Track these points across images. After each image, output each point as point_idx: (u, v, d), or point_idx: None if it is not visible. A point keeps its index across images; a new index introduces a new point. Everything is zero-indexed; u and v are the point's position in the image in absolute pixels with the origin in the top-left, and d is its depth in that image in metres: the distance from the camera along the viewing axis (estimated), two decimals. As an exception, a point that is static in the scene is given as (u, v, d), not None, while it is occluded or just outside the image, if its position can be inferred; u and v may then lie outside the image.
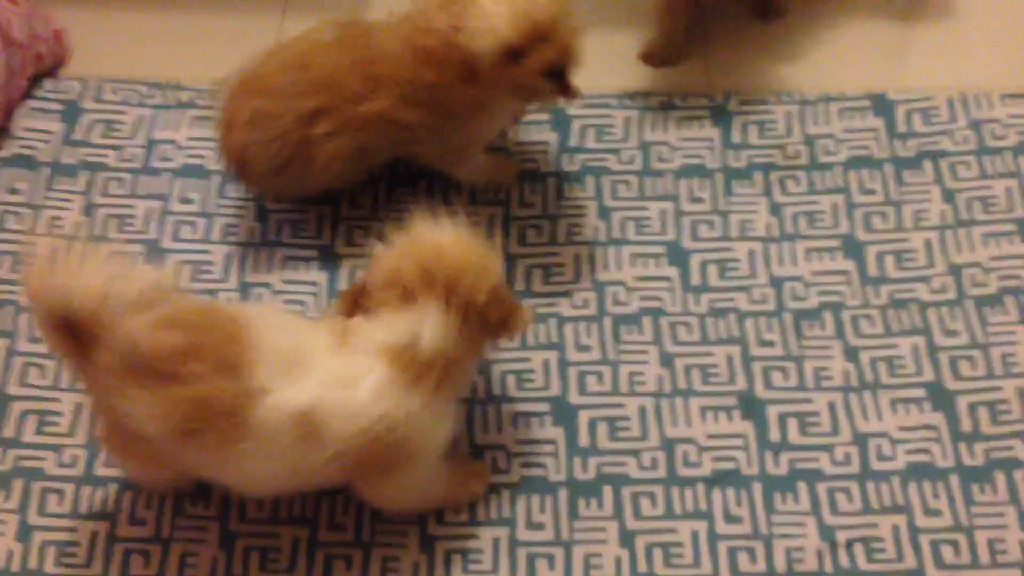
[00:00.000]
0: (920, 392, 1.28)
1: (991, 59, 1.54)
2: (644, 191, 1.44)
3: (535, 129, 1.49)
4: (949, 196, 1.41)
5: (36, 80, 1.53)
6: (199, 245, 1.41)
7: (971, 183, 1.42)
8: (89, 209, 1.43)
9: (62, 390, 1.30)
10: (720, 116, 1.50)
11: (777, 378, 1.30)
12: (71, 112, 1.51)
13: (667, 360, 1.31)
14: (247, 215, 1.43)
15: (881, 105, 1.49)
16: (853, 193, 1.42)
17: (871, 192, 1.42)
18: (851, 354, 1.31)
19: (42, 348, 1.32)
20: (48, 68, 1.54)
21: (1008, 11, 1.58)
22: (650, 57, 1.56)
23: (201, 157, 1.47)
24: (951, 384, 1.28)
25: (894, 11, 1.59)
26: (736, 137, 1.48)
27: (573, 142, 1.48)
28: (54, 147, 1.48)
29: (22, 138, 1.48)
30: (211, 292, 1.37)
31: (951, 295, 1.34)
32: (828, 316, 1.34)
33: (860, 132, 1.47)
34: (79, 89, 1.53)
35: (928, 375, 1.29)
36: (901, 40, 1.57)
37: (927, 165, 1.44)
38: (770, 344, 1.32)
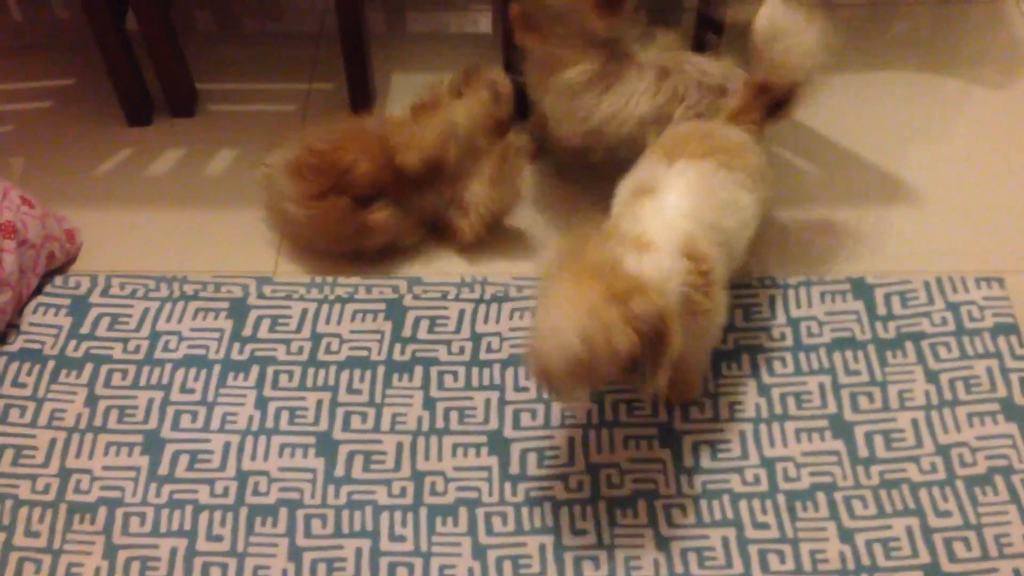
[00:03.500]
0: (918, 575, 1.27)
1: (963, 243, 1.60)
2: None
3: (528, 314, 1.54)
4: (932, 377, 1.44)
5: (47, 276, 1.59)
6: (199, 435, 1.43)
7: (953, 364, 1.45)
8: (91, 401, 1.46)
9: (55, 585, 1.29)
10: (706, 300, 1.55)
11: (774, 561, 1.30)
12: (79, 307, 1.55)
13: (663, 544, 1.32)
14: (247, 403, 1.46)
15: (860, 289, 1.54)
16: (839, 374, 1.46)
17: (856, 373, 1.46)
18: (846, 536, 1.31)
19: (38, 543, 1.32)
20: (60, 265, 1.61)
21: (974, 197, 1.66)
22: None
23: (204, 347, 1.51)
24: (948, 567, 1.28)
25: (866, 199, 1.67)
26: (722, 320, 1.53)
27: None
28: (61, 341, 1.52)
29: (29, 333, 1.53)
30: (209, 481, 1.39)
31: (941, 475, 1.36)
32: (821, 497, 1.35)
33: (842, 315, 1.51)
34: (88, 284, 1.58)
35: (924, 558, 1.29)
36: (876, 226, 1.63)
37: (909, 346, 1.47)
38: (765, 527, 1.33)
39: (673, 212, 1.29)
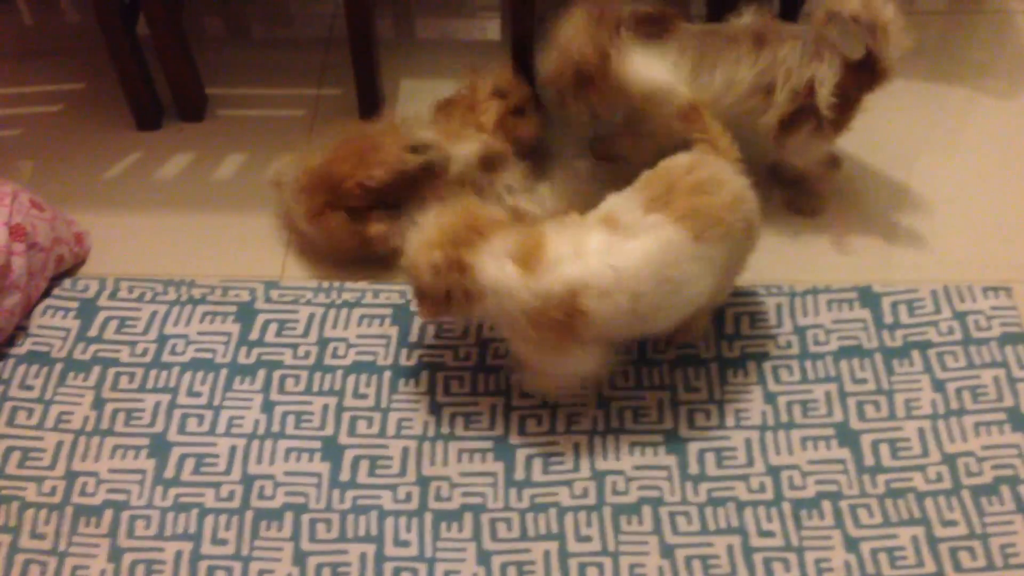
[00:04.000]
0: (924, 585, 1.28)
1: (970, 252, 1.60)
2: (641, 382, 1.47)
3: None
4: (939, 386, 1.44)
5: (56, 279, 1.59)
6: (205, 438, 1.44)
7: (959, 373, 1.45)
8: (99, 404, 1.47)
9: (61, 587, 1.30)
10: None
11: (779, 570, 1.30)
12: (87, 310, 1.56)
13: (667, 552, 1.32)
14: (253, 407, 1.46)
15: (867, 297, 1.54)
16: (845, 382, 1.46)
17: (863, 381, 1.46)
18: (851, 545, 1.31)
19: (43, 545, 1.33)
20: (68, 268, 1.61)
21: (982, 206, 1.66)
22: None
23: (211, 351, 1.52)
24: (954, 576, 1.28)
25: (873, 208, 1.67)
26: (729, 328, 1.52)
27: (571, 334, 1.53)
28: (69, 344, 1.53)
29: (38, 335, 1.53)
30: (215, 485, 1.39)
31: (947, 484, 1.35)
32: (827, 505, 1.35)
33: (848, 323, 1.51)
34: (96, 288, 1.58)
35: (930, 567, 1.28)
36: (883, 235, 1.63)
37: (915, 355, 1.47)
38: (770, 534, 1.33)
39: (601, 260, 1.28)
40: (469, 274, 1.30)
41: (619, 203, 1.34)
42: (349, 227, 1.55)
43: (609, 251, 1.29)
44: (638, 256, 1.28)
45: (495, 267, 1.30)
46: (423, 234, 1.33)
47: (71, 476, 1.40)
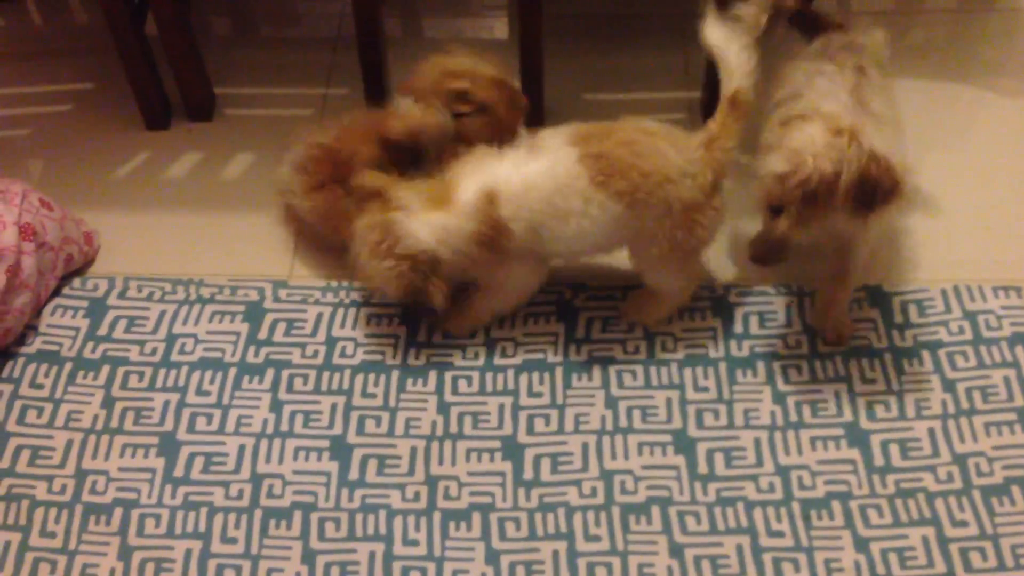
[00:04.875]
0: (933, 584, 1.27)
1: (981, 252, 1.59)
2: (650, 381, 1.47)
3: (543, 320, 1.54)
4: (949, 386, 1.44)
5: (65, 279, 1.60)
6: (214, 437, 1.44)
7: (970, 373, 1.44)
8: (108, 403, 1.47)
9: (71, 586, 1.30)
10: (721, 307, 1.55)
11: (788, 570, 1.29)
12: (96, 309, 1.56)
13: (677, 551, 1.31)
14: (262, 406, 1.46)
15: (877, 297, 1.53)
16: (854, 382, 1.45)
17: (872, 381, 1.45)
18: (861, 545, 1.31)
19: (53, 544, 1.33)
20: (78, 267, 1.62)
21: (992, 206, 1.65)
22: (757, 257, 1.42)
23: (220, 350, 1.52)
24: (964, 577, 1.28)
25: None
26: (738, 328, 1.52)
27: (579, 333, 1.53)
28: (78, 343, 1.53)
29: (47, 334, 1.53)
30: (224, 484, 1.39)
31: (958, 485, 1.35)
32: (836, 505, 1.34)
33: (858, 323, 1.51)
34: (105, 287, 1.59)
35: (940, 568, 1.28)
36: (893, 234, 1.62)
37: (925, 355, 1.47)
38: (779, 535, 1.32)
39: (511, 169, 1.39)
40: (402, 245, 1.39)
41: (551, 133, 1.43)
42: (344, 203, 1.54)
43: (518, 165, 1.40)
44: (536, 171, 1.39)
45: (419, 225, 1.40)
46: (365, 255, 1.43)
47: (81, 474, 1.40)
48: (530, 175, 1.39)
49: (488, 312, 1.52)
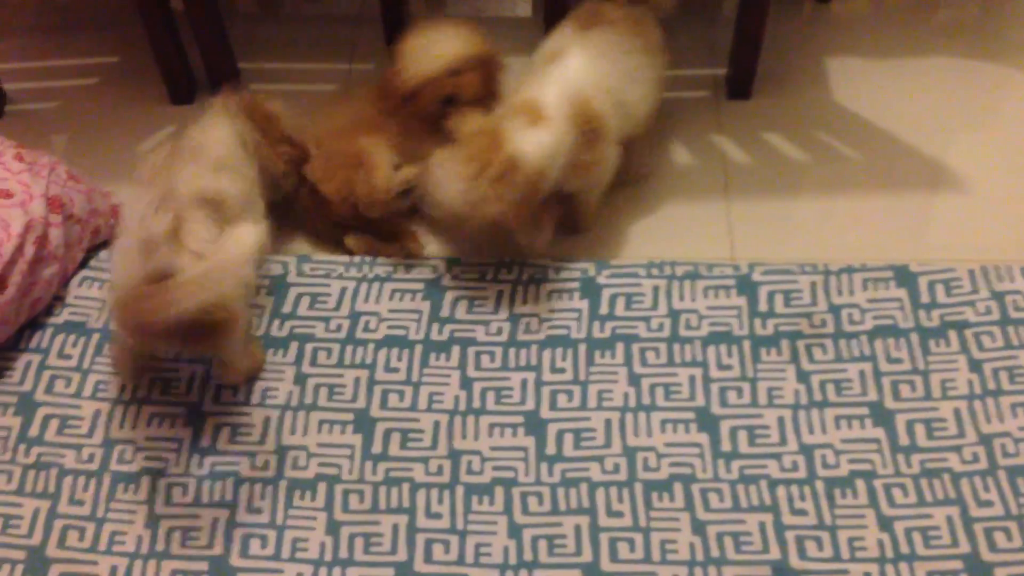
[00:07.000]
0: (958, 564, 1.27)
1: (1008, 231, 1.58)
2: (673, 358, 1.47)
3: (565, 296, 1.54)
4: (976, 366, 1.43)
5: (92, 251, 1.61)
6: (240, 408, 1.45)
7: (996, 353, 1.44)
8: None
9: (100, 552, 1.32)
10: (746, 286, 1.54)
11: (811, 548, 1.29)
12: (123, 280, 1.58)
13: (699, 528, 1.32)
14: (286, 379, 1.47)
15: (903, 276, 1.52)
16: (880, 361, 1.45)
17: (898, 361, 1.45)
18: (885, 524, 1.30)
19: (82, 511, 1.35)
20: (104, 240, 1.62)
21: (1019, 185, 1.64)
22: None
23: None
24: (988, 556, 1.27)
25: (910, 186, 1.66)
26: (762, 306, 1.52)
27: (603, 310, 1.53)
28: (105, 314, 1.54)
29: (75, 306, 1.55)
30: (251, 455, 1.40)
31: (983, 465, 1.34)
32: (860, 484, 1.34)
33: (884, 302, 1.50)
34: (131, 259, 1.60)
35: (964, 547, 1.28)
36: (920, 213, 1.62)
37: (952, 335, 1.46)
38: (803, 513, 1.32)
39: (573, 77, 1.47)
40: (509, 157, 1.41)
41: (549, 44, 1.54)
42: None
43: (571, 62, 1.49)
44: (590, 54, 1.50)
45: (527, 139, 1.42)
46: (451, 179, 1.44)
47: (109, 444, 1.42)
48: (592, 59, 1.48)
49: (596, 204, 1.60)
